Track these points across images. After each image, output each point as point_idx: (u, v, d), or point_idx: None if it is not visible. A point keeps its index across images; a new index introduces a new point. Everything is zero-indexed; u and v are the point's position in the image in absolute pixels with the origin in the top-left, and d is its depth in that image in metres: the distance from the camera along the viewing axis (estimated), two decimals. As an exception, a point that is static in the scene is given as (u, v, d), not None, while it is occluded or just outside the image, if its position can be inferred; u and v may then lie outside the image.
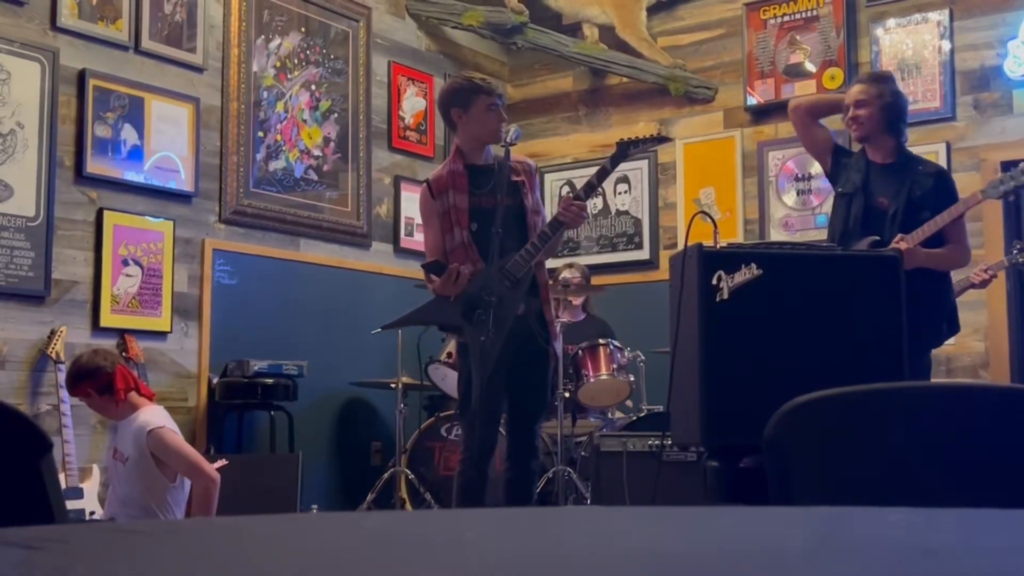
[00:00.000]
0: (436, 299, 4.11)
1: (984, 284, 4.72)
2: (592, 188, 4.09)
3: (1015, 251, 4.70)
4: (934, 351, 4.23)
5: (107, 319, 5.30)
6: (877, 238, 3.82)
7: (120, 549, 0.85)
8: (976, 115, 6.08)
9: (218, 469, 4.15)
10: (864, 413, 1.63)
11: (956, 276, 5.14)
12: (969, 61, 6.12)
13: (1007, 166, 5.97)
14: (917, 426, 1.61)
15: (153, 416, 4.11)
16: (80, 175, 5.26)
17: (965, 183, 6.04)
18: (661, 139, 4.23)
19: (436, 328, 4.59)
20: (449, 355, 5.65)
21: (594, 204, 7.21)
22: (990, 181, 4.27)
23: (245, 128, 5.99)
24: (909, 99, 6.45)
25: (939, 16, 6.20)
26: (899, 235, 3.91)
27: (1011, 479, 1.56)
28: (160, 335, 5.54)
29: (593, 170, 4.13)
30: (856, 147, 4.29)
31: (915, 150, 6.22)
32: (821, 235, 4.51)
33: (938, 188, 4.07)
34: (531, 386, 4.13)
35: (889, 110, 4.04)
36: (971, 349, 5.96)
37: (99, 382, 4.08)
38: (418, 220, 6.93)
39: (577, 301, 6.18)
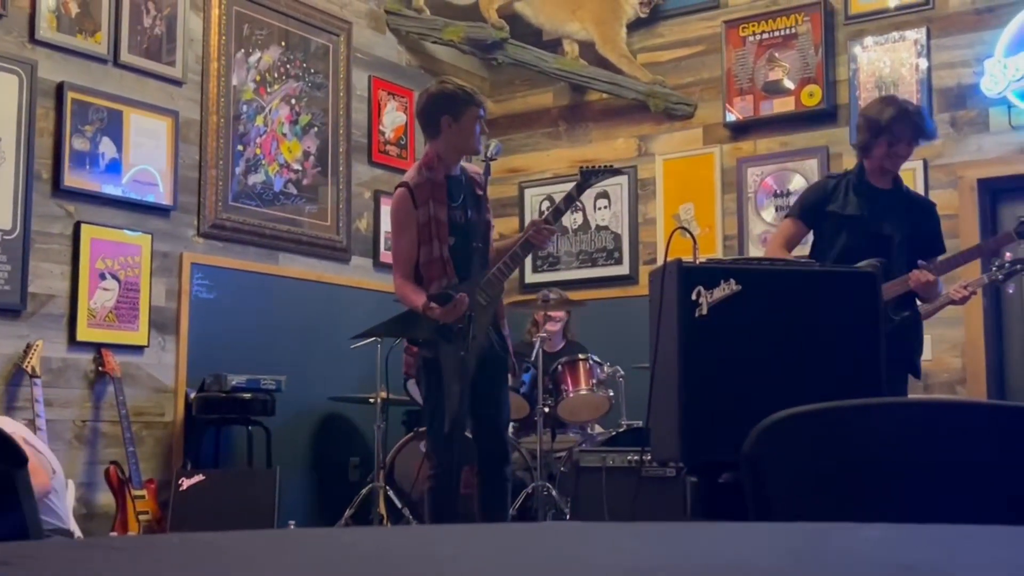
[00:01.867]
0: (408, 313, 4.07)
1: (963, 300, 4.75)
2: (560, 213, 4.13)
3: (994, 268, 4.74)
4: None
5: (84, 333, 5.27)
6: (883, 261, 3.79)
7: (94, 565, 0.84)
8: (953, 133, 6.13)
9: (193, 485, 4.20)
10: (842, 429, 1.63)
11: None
12: (946, 79, 6.17)
13: (984, 184, 6.03)
14: (895, 442, 1.61)
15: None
16: (58, 188, 5.23)
17: (942, 200, 6.07)
18: (616, 171, 4.25)
19: (405, 341, 4.55)
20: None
21: (574, 219, 7.23)
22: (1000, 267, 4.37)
23: (224, 142, 5.98)
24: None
25: (916, 34, 6.25)
26: (923, 265, 3.96)
27: (989, 495, 1.57)
28: (137, 349, 5.51)
29: (571, 187, 4.16)
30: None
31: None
32: (801, 251, 4.52)
33: (933, 223, 4.16)
34: (495, 395, 4.16)
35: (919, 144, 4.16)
36: (948, 365, 5.99)
37: None
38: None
39: (555, 328, 6.14)
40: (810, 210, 4.24)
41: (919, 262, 4.05)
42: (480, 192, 4.07)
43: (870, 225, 4.06)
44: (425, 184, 4.02)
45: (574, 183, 4.12)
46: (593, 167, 4.16)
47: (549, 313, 5.95)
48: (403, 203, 4.04)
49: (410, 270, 4.05)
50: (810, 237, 4.35)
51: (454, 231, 4.00)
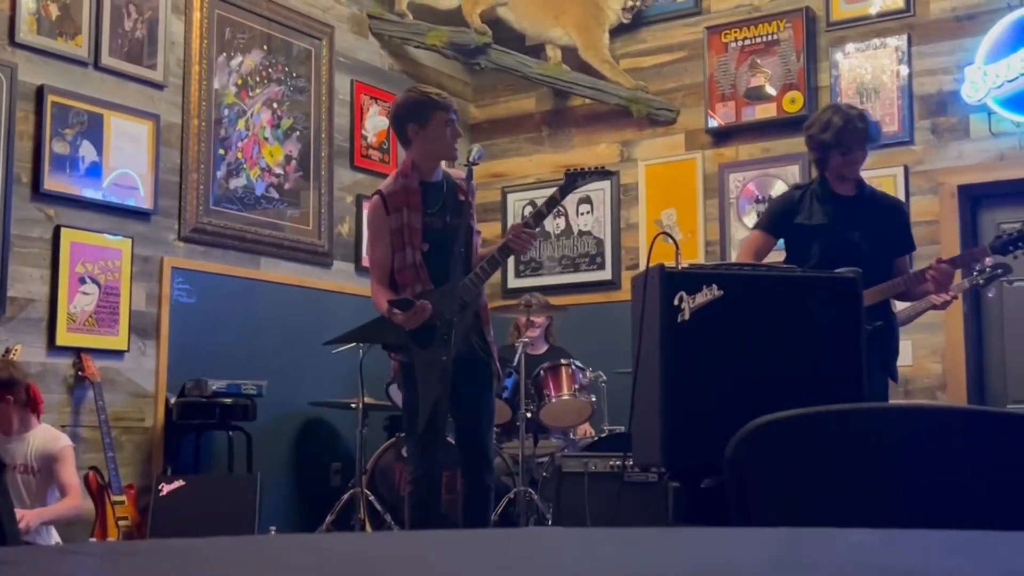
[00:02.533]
0: (381, 318, 4.06)
1: (945, 305, 4.78)
2: (541, 217, 4.03)
3: (975, 273, 4.77)
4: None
5: (63, 337, 5.23)
6: (859, 271, 3.80)
7: (74, 572, 0.83)
8: (934, 139, 6.16)
9: (173, 491, 4.28)
10: (823, 434, 1.63)
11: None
12: (927, 86, 6.20)
13: (964, 190, 6.06)
14: (876, 447, 1.61)
15: (55, 432, 4.59)
16: (37, 192, 5.20)
17: (923, 207, 6.12)
18: (606, 173, 4.20)
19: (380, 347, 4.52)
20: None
21: (556, 224, 7.23)
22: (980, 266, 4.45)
23: (206, 146, 5.95)
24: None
25: (897, 41, 6.28)
26: (938, 261, 4.03)
27: (969, 500, 1.57)
28: (117, 354, 5.48)
29: (554, 190, 4.12)
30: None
31: (874, 173, 6.32)
32: (781, 256, 4.53)
33: (900, 222, 4.18)
34: (477, 400, 4.12)
35: (872, 149, 4.16)
36: (929, 371, 6.02)
37: (20, 394, 4.45)
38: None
39: (536, 333, 6.14)
40: (777, 222, 4.26)
41: (936, 260, 4.10)
42: (462, 198, 4.04)
43: (839, 233, 4.08)
44: (399, 191, 4.03)
45: (557, 186, 4.08)
46: (579, 169, 4.10)
47: (531, 318, 5.94)
48: (376, 210, 4.07)
49: (385, 276, 4.06)
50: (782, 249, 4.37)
51: (429, 237, 3.99)
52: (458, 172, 4.23)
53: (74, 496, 4.56)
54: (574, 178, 4.06)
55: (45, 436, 4.56)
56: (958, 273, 5.21)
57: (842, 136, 4.11)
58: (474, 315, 4.07)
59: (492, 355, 4.14)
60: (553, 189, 4.07)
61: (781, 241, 4.32)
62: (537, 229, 4.07)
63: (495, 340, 4.26)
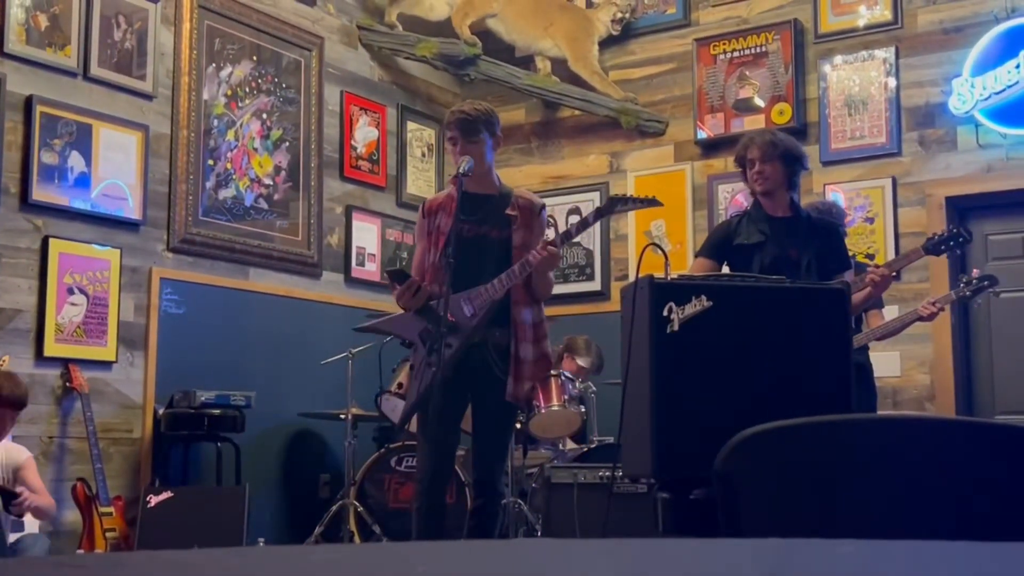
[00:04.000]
0: (405, 313, 4.13)
1: (932, 317, 4.81)
2: (570, 237, 4.13)
3: (962, 284, 4.80)
4: (880, 384, 4.33)
5: (51, 348, 5.22)
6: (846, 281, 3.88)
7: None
8: (921, 151, 6.19)
9: (162, 502, 4.32)
10: (813, 445, 1.63)
11: (904, 309, 5.24)
12: (915, 98, 6.23)
13: (952, 202, 6.09)
14: (865, 458, 1.62)
15: (14, 444, 4.69)
16: (25, 202, 5.18)
17: (911, 218, 6.15)
18: (653, 202, 4.12)
19: (400, 346, 4.53)
20: (400, 385, 5.62)
21: (546, 235, 7.22)
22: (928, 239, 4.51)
23: (195, 156, 5.94)
24: (856, 134, 6.59)
25: (885, 53, 6.31)
26: (882, 264, 4.06)
27: (958, 511, 1.57)
28: (105, 365, 5.46)
29: (552, 202, 4.16)
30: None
31: (861, 185, 6.35)
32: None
33: (835, 242, 4.25)
34: (486, 419, 4.09)
35: (790, 165, 4.18)
36: (917, 382, 6.03)
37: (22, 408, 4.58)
38: (370, 250, 6.96)
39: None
40: (717, 247, 4.33)
41: (874, 266, 4.18)
42: (512, 212, 4.08)
43: (776, 248, 4.12)
44: (443, 198, 4.19)
45: (594, 208, 4.10)
46: (621, 196, 4.16)
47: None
48: (418, 216, 4.27)
49: (417, 275, 4.16)
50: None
51: (458, 243, 3.94)
52: (525, 193, 4.27)
53: (48, 496, 4.70)
54: (614, 203, 4.12)
55: (8, 448, 4.65)
56: (945, 285, 5.24)
57: (742, 151, 4.24)
58: (503, 326, 4.01)
59: (508, 372, 3.99)
60: (548, 198, 4.11)
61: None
62: (563, 248, 4.07)
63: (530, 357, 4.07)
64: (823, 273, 4.05)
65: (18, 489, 4.41)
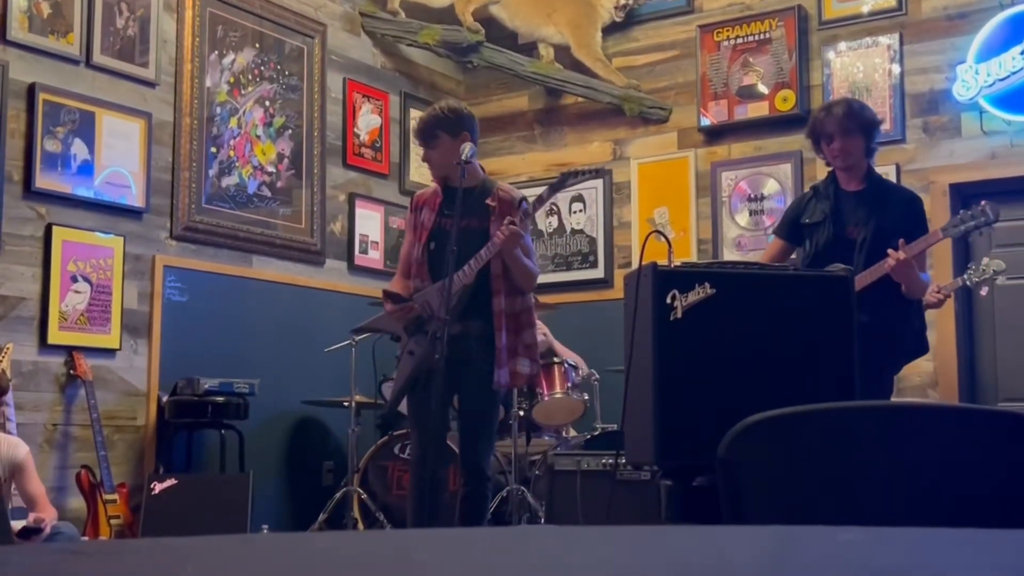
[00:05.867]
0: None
1: (939, 304, 4.78)
2: (528, 215, 4.14)
3: (969, 271, 4.77)
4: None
5: (55, 336, 5.22)
6: (850, 268, 3.72)
7: (66, 571, 0.83)
8: (925, 138, 6.17)
9: (166, 489, 4.29)
10: (816, 432, 1.63)
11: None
12: (919, 84, 6.21)
13: (956, 189, 6.07)
14: (868, 445, 1.62)
15: (12, 438, 4.54)
16: (29, 190, 5.18)
17: (914, 205, 6.12)
18: (600, 172, 4.38)
19: (390, 340, 4.65)
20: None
21: (549, 223, 7.23)
22: (951, 219, 4.27)
23: (198, 144, 5.94)
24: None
25: (889, 40, 6.29)
26: (900, 245, 3.89)
27: (961, 498, 1.57)
28: (109, 352, 5.47)
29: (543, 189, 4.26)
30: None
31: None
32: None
33: (908, 216, 4.08)
34: (470, 407, 4.21)
35: (871, 136, 4.08)
36: (920, 369, 6.02)
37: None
38: (373, 238, 6.97)
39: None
40: (787, 226, 4.27)
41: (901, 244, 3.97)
42: (491, 203, 4.16)
43: (833, 229, 4.07)
44: (429, 194, 4.33)
45: (548, 184, 4.20)
46: (572, 171, 4.24)
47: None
48: (408, 207, 4.43)
49: (403, 268, 4.35)
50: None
51: (436, 236, 4.14)
52: (506, 186, 4.38)
53: (49, 505, 4.51)
54: (565, 177, 4.19)
55: (7, 443, 4.46)
56: (950, 271, 5.19)
57: (817, 126, 4.13)
58: (484, 317, 4.09)
59: (492, 361, 4.08)
60: (543, 188, 4.19)
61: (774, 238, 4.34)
62: (530, 226, 4.14)
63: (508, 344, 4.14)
64: (878, 250, 3.95)
65: (33, 518, 4.28)
